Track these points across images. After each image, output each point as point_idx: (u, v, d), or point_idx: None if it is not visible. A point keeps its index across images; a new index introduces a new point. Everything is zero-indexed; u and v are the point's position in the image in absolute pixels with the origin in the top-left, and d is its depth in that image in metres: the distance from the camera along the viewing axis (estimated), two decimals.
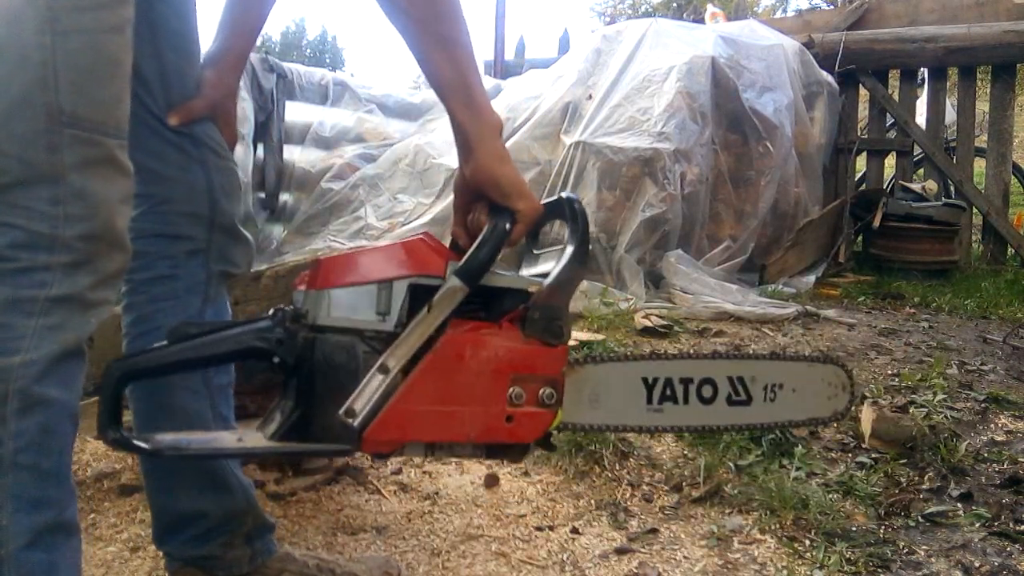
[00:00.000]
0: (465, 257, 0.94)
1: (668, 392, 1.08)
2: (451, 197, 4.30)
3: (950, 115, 5.23)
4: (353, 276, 0.93)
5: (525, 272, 1.07)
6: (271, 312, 0.95)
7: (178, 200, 1.15)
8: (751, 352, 1.13)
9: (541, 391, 0.96)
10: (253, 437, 0.97)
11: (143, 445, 0.91)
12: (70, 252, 0.89)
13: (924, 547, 1.47)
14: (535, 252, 1.10)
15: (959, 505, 1.64)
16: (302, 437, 0.94)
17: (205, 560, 1.20)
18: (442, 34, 0.97)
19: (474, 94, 0.98)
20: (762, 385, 1.13)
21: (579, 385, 1.02)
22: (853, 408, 1.19)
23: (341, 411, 0.90)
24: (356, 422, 0.90)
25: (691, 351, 1.11)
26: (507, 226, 0.96)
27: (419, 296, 0.92)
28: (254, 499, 1.24)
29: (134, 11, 0.94)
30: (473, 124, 0.98)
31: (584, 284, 3.32)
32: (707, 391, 1.10)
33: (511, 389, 0.95)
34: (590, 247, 3.59)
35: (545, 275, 0.99)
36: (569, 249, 1.00)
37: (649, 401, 1.07)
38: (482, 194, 0.99)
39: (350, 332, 0.92)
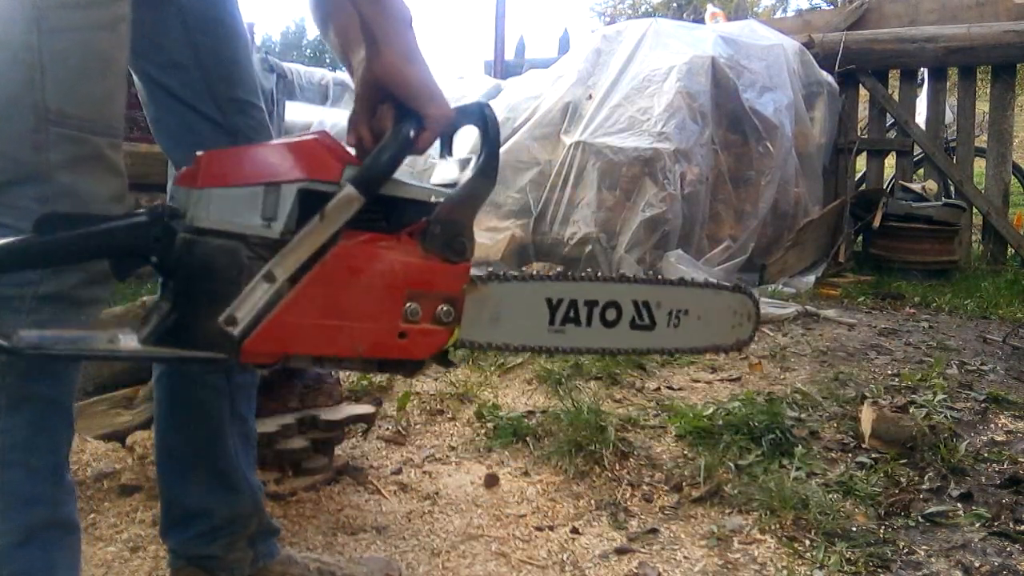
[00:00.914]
0: (364, 163, 0.87)
1: (571, 314, 1.04)
2: None
3: (948, 115, 5.23)
4: (238, 176, 0.86)
5: (435, 181, 0.99)
6: (147, 208, 0.88)
7: None
8: (658, 277, 1.11)
9: (438, 308, 0.91)
10: (127, 339, 0.89)
11: (2, 342, 0.84)
12: None
13: (924, 547, 1.47)
14: (446, 161, 1.02)
15: (959, 505, 1.64)
16: (178, 343, 0.88)
17: (207, 560, 1.20)
18: None
19: None
20: (667, 311, 1.10)
21: (480, 303, 0.97)
22: (752, 338, 1.15)
23: (221, 318, 0.85)
24: (236, 331, 0.85)
25: (598, 274, 1.06)
26: (411, 132, 0.89)
27: (310, 202, 0.86)
28: (261, 503, 1.24)
29: (130, 8, 0.93)
30: (378, 16, 0.89)
31: None
32: (611, 314, 1.07)
33: (406, 305, 0.90)
34: (589, 247, 3.58)
35: (453, 186, 0.93)
36: (476, 160, 0.92)
37: (552, 322, 1.03)
38: (388, 95, 0.90)
39: (233, 236, 0.86)
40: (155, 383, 1.21)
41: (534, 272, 1.04)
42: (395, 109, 0.90)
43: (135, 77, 1.14)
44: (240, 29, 1.18)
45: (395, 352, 0.91)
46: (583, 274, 1.04)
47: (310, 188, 0.86)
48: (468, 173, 0.92)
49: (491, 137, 0.92)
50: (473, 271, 0.94)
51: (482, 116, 0.93)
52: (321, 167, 0.87)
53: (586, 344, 1.07)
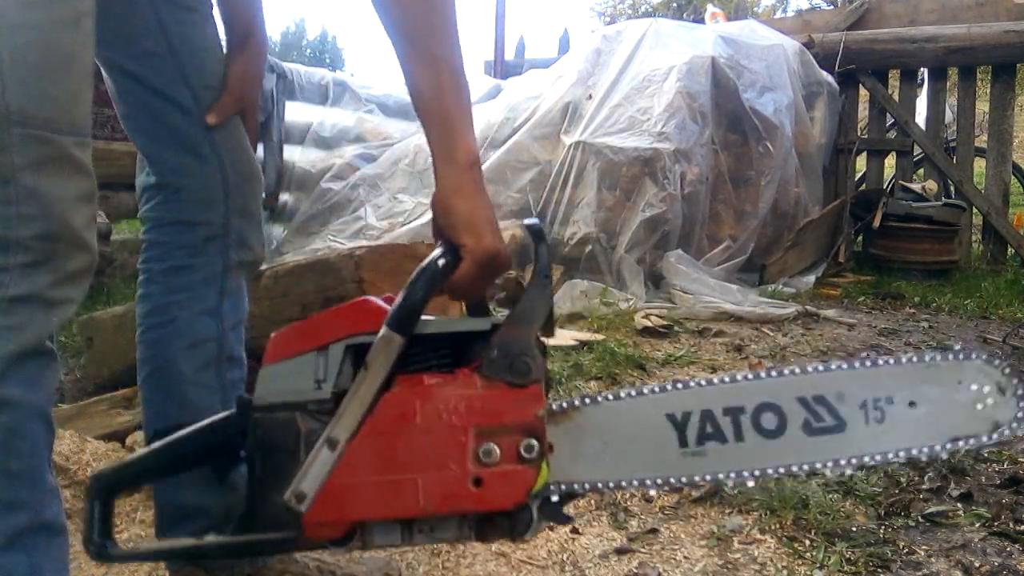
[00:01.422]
0: (395, 302, 0.84)
1: (709, 429, 0.83)
2: None
3: (947, 115, 5.23)
4: (292, 347, 0.85)
5: None
6: (238, 399, 0.88)
7: (192, 187, 1.14)
8: (825, 366, 0.82)
9: (519, 444, 0.80)
10: (211, 536, 0.91)
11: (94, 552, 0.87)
12: (27, 252, 0.88)
13: (924, 547, 1.47)
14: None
15: (959, 505, 1.64)
16: (251, 527, 0.85)
17: (206, 559, 1.19)
18: (431, 51, 0.93)
19: (450, 118, 0.92)
20: (858, 402, 0.82)
21: (578, 434, 0.83)
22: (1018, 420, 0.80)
23: (287, 494, 0.81)
24: (303, 506, 0.80)
25: (735, 376, 0.83)
26: (442, 262, 0.86)
27: (361, 357, 0.82)
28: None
29: (92, 3, 0.92)
30: (442, 149, 0.91)
31: (584, 284, 3.32)
32: (769, 420, 0.83)
33: (478, 446, 0.79)
34: (589, 247, 3.57)
35: None
36: (532, 274, 0.87)
37: (683, 443, 0.83)
38: (439, 225, 0.92)
39: (288, 407, 0.84)
40: (141, 384, 1.19)
41: (640, 388, 0.87)
42: (443, 240, 0.90)
43: (104, 72, 1.13)
44: (211, 17, 1.19)
45: (470, 503, 0.80)
46: (709, 380, 0.85)
47: (356, 342, 0.83)
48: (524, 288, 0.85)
49: (542, 252, 0.86)
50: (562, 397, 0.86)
51: (532, 233, 0.89)
52: (363, 319, 0.84)
53: (741, 465, 0.84)
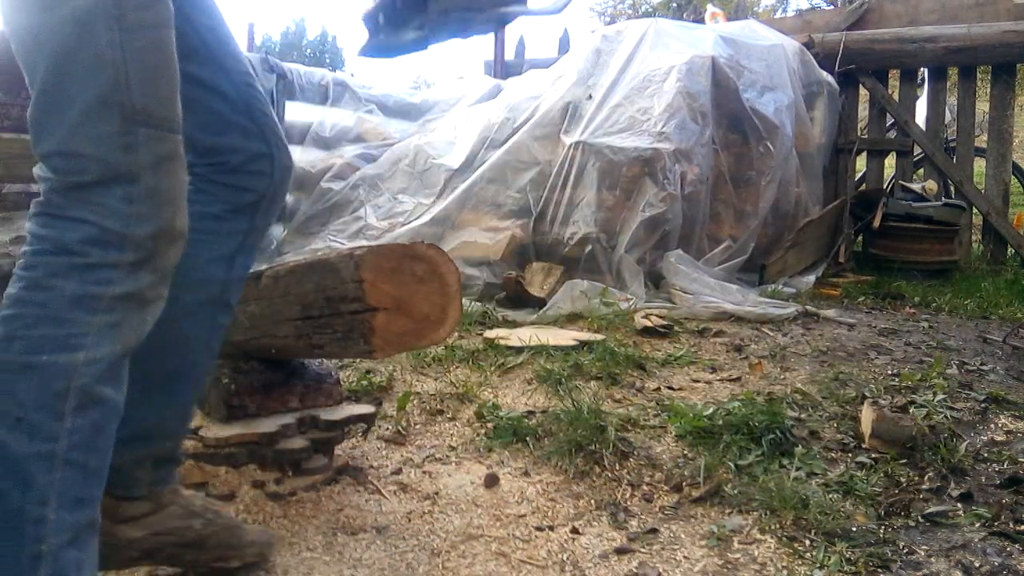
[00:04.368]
0: None
1: None
2: (451, 197, 4.29)
3: (946, 115, 5.24)
4: None
5: None
6: None
7: (250, 160, 1.21)
8: None
9: None
10: None
11: None
12: (137, 250, 0.91)
13: (924, 547, 1.47)
14: None
15: (959, 505, 1.64)
16: None
17: (112, 470, 1.20)
18: None
19: None
20: None
21: None
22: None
23: None
24: None
25: None
26: None
27: None
28: (181, 429, 1.26)
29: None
30: None
31: (584, 284, 3.32)
32: None
33: None
34: (589, 247, 3.58)
35: None
36: None
37: None
38: None
39: None
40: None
41: None
42: None
43: None
44: (219, 9, 1.24)
45: None
46: None
47: None
48: None
49: None
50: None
51: None
52: None
53: None
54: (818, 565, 1.40)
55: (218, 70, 1.18)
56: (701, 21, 5.72)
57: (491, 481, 1.73)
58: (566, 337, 2.75)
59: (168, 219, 0.94)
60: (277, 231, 4.66)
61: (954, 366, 2.63)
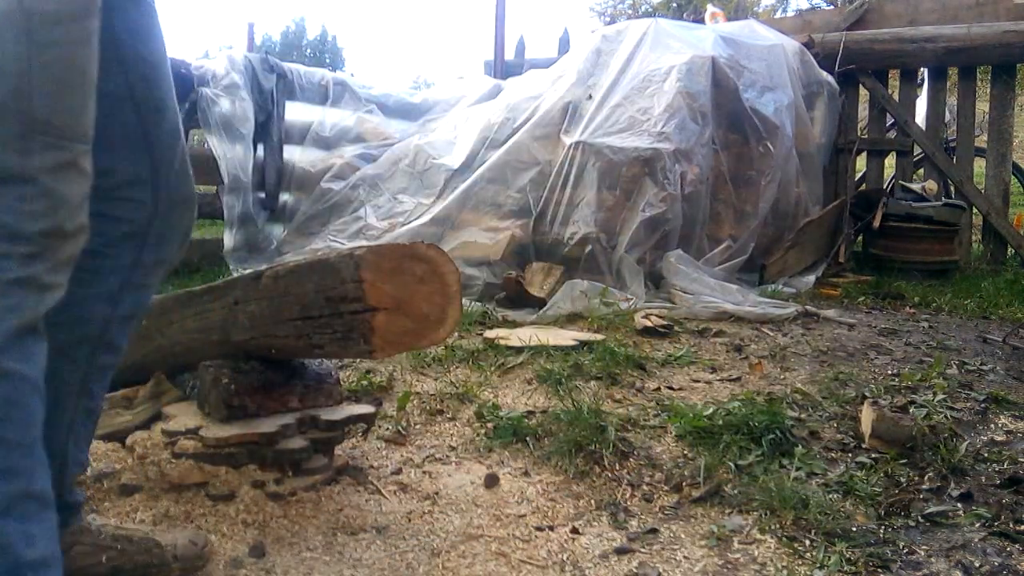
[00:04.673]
0: None
1: None
2: (451, 197, 4.29)
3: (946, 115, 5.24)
4: None
5: None
6: None
7: (122, 185, 1.20)
8: None
9: None
10: None
11: None
12: (29, 244, 0.97)
13: (924, 547, 1.47)
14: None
15: (959, 505, 1.64)
16: None
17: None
18: None
19: None
20: None
21: None
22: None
23: None
24: None
25: None
26: None
27: None
28: (70, 475, 1.23)
29: (98, 24, 1.01)
30: None
31: (584, 284, 3.32)
32: None
33: None
34: (589, 247, 3.60)
35: None
36: None
37: None
38: None
39: None
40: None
41: None
42: None
43: None
44: (159, 39, 1.24)
45: None
46: None
47: None
48: None
49: None
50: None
51: None
52: None
53: None
54: (818, 565, 1.40)
55: (123, 86, 1.18)
56: (701, 21, 5.72)
57: (491, 481, 1.73)
58: (566, 337, 2.75)
59: (63, 219, 0.99)
60: (277, 231, 4.67)
61: (954, 366, 2.63)
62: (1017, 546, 1.47)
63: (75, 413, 1.21)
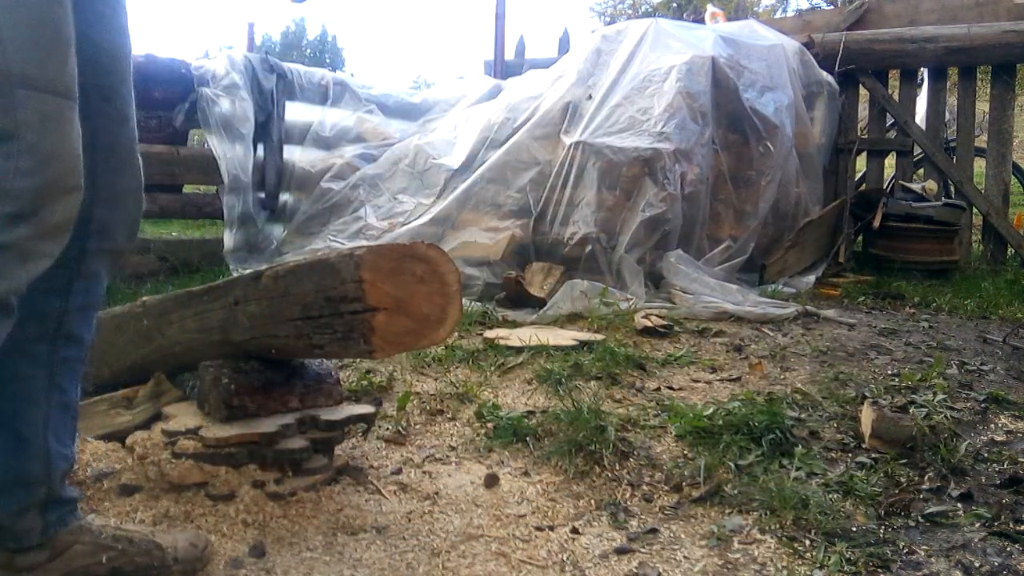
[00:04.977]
0: None
1: None
2: (451, 197, 4.29)
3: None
4: None
5: None
6: None
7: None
8: None
9: None
10: None
11: None
12: (16, 202, 0.96)
13: (924, 547, 1.47)
14: None
15: (959, 505, 1.64)
16: None
17: None
18: None
19: None
20: None
21: None
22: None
23: None
24: None
25: None
26: None
27: None
28: (57, 469, 1.23)
29: None
30: None
31: (584, 284, 3.32)
32: None
33: None
34: (589, 247, 3.61)
35: None
36: None
37: None
38: None
39: None
40: None
41: None
42: None
43: None
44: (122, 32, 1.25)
45: None
46: None
47: None
48: None
49: None
50: None
51: None
52: None
53: None
54: (818, 565, 1.40)
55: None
56: (701, 21, 5.72)
57: (491, 481, 1.73)
58: (566, 337, 2.75)
59: (53, 175, 0.98)
60: (277, 231, 4.67)
61: (954, 366, 2.63)
62: (1017, 546, 1.47)
63: (48, 408, 1.21)
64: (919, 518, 1.58)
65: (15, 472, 1.19)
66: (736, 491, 1.67)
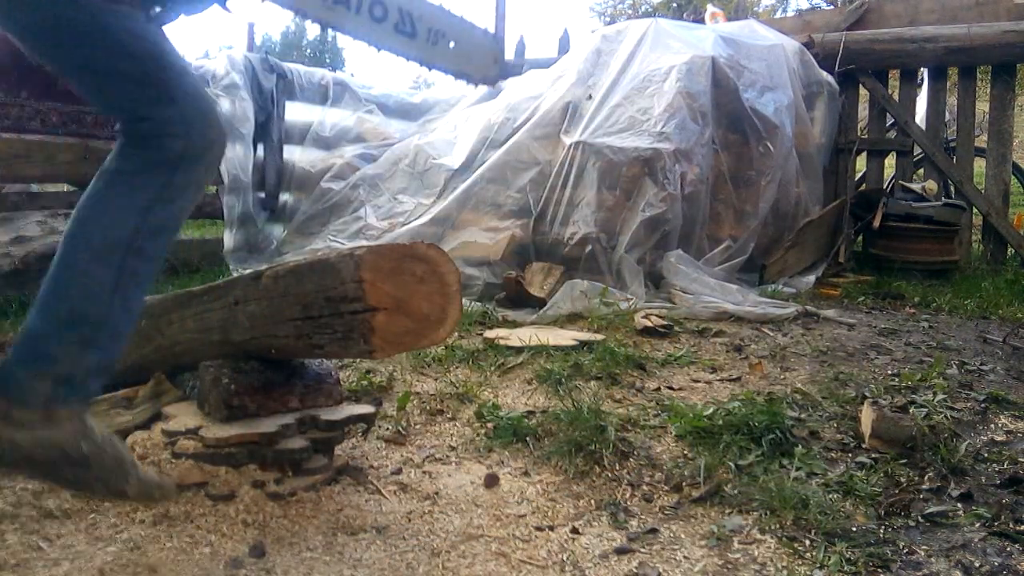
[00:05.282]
0: None
1: None
2: (451, 197, 4.29)
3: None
4: None
5: None
6: None
7: (161, 125, 1.33)
8: None
9: None
10: None
11: None
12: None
13: (924, 547, 1.47)
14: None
15: (959, 505, 1.64)
16: None
17: (6, 376, 1.25)
18: None
19: None
20: (426, 27, 1.46)
21: None
22: None
23: None
24: None
25: None
26: None
27: None
28: (83, 362, 1.28)
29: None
30: None
31: (584, 284, 3.32)
32: (378, 11, 1.44)
33: None
34: (589, 247, 3.61)
35: None
36: None
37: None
38: None
39: None
40: (58, 247, 1.31)
41: None
42: None
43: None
44: None
45: None
46: None
47: None
48: None
49: None
50: None
51: None
52: None
53: (354, 29, 1.46)
54: (818, 565, 1.40)
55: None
56: (701, 21, 5.72)
57: (491, 481, 1.73)
58: (566, 337, 2.75)
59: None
60: (277, 231, 4.67)
61: (954, 366, 2.63)
62: (1017, 546, 1.47)
63: (108, 308, 1.29)
64: (919, 518, 1.58)
65: (54, 347, 1.26)
66: (736, 491, 1.67)
